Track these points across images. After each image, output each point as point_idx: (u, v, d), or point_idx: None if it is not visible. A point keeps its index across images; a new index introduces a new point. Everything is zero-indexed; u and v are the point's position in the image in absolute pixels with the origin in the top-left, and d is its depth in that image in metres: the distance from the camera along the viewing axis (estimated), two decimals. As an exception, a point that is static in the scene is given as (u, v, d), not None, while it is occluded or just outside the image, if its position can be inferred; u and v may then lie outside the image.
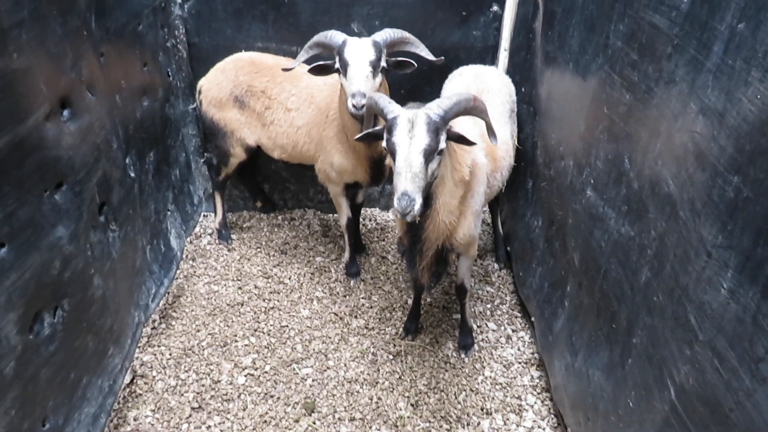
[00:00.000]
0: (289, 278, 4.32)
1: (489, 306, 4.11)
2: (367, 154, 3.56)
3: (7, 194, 2.12)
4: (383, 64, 3.14)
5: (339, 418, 3.32)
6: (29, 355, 2.31)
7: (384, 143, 2.62)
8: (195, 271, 4.35)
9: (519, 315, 4.02)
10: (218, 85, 3.92)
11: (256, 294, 4.16)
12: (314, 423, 3.28)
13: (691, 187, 1.75)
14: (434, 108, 2.55)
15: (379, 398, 3.43)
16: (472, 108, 2.67)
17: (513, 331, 3.90)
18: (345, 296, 4.19)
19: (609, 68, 2.41)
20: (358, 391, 3.47)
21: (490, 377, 3.58)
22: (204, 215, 4.89)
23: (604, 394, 2.39)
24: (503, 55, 4.25)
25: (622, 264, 2.32)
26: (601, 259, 2.51)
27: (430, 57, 3.25)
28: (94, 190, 2.79)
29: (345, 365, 3.64)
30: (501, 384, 3.53)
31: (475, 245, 3.30)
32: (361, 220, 4.87)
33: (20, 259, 2.21)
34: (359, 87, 3.04)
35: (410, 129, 2.50)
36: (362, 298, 4.18)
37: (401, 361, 3.68)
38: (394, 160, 2.54)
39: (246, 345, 3.76)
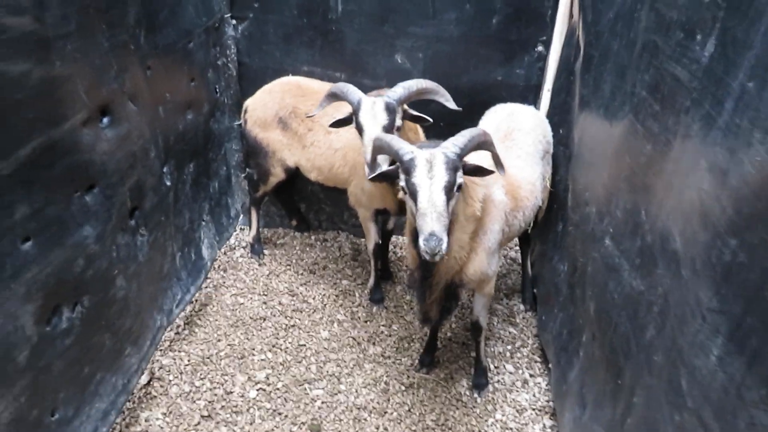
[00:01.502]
0: (314, 298, 4.37)
1: (509, 347, 4.03)
2: (393, 190, 3.61)
3: (36, 192, 2.26)
4: (398, 123, 3.17)
5: (342, 444, 3.31)
6: (44, 347, 2.43)
7: (402, 183, 2.64)
8: (224, 282, 4.47)
9: (539, 360, 3.92)
10: (264, 105, 4.07)
11: (279, 310, 4.23)
12: (317, 446, 3.29)
13: (694, 245, 1.69)
14: (449, 146, 2.57)
15: (386, 428, 3.40)
16: (484, 143, 2.69)
17: (531, 375, 3.80)
18: (366, 321, 4.19)
19: (633, 117, 2.36)
20: (365, 419, 3.46)
21: (501, 421, 3.49)
22: (241, 228, 5.02)
23: (602, 453, 2.29)
24: (546, 96, 4.22)
25: (630, 319, 2.24)
26: (613, 311, 2.43)
27: (452, 105, 3.27)
28: (126, 194, 2.93)
29: (356, 391, 3.64)
30: (511, 429, 3.44)
31: (489, 283, 3.26)
32: (392, 248, 4.90)
33: (43, 254, 2.34)
34: (371, 152, 3.07)
35: (429, 169, 2.52)
36: (382, 325, 4.17)
37: (413, 394, 3.64)
38: (415, 201, 2.56)
39: (262, 360, 3.82)
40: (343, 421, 3.44)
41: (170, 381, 3.62)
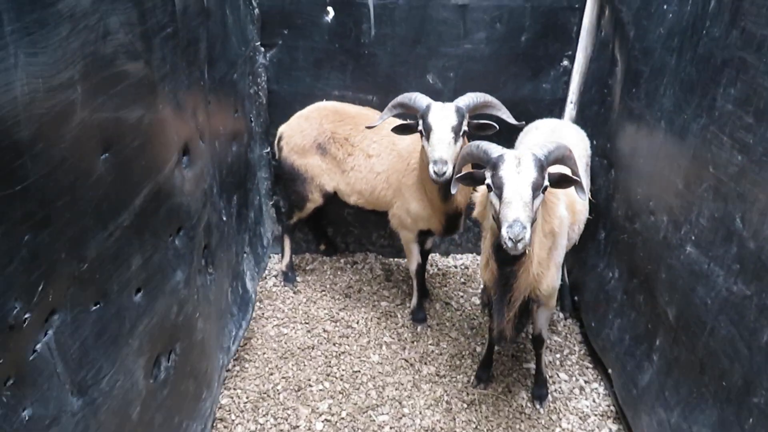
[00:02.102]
0: (357, 322, 4.35)
1: (558, 356, 4.11)
2: (443, 209, 3.66)
3: (146, 241, 2.21)
4: (464, 128, 3.25)
5: (420, 468, 3.31)
6: (149, 400, 2.36)
7: (488, 180, 2.67)
8: (263, 314, 4.40)
9: (590, 366, 4.01)
10: (302, 132, 4.04)
11: (325, 338, 4.19)
12: (396, 472, 3.27)
13: (834, 252, 1.79)
14: (538, 149, 2.66)
15: (458, 448, 3.42)
16: (568, 158, 2.76)
17: (585, 382, 3.89)
18: (413, 342, 4.20)
19: (717, 129, 2.48)
20: (436, 440, 3.47)
21: (568, 429, 3.55)
22: (269, 257, 4.96)
23: (717, 453, 2.38)
24: (569, 108, 4.35)
25: (734, 322, 2.34)
26: (706, 316, 2.53)
27: (512, 120, 3.37)
28: (201, 234, 2.88)
29: (420, 413, 3.64)
30: (579, 436, 3.51)
31: (555, 297, 3.33)
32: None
33: (151, 304, 2.29)
34: (441, 154, 3.16)
35: (517, 165, 2.59)
36: (430, 344, 4.19)
37: (476, 410, 3.67)
38: (500, 196, 2.58)
39: (320, 390, 3.77)
40: (414, 444, 3.44)
41: (233, 420, 3.54)
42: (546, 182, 2.64)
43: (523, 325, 3.27)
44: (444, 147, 3.17)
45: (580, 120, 4.18)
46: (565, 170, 2.82)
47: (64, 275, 1.69)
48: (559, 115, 4.36)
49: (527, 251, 2.75)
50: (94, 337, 1.90)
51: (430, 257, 5.02)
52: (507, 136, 3.76)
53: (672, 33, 2.94)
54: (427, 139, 3.23)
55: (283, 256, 4.67)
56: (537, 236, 2.85)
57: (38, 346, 1.62)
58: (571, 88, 4.29)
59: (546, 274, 3.06)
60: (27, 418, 1.60)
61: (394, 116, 3.51)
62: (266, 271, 4.83)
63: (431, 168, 3.18)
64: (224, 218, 3.37)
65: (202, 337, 2.94)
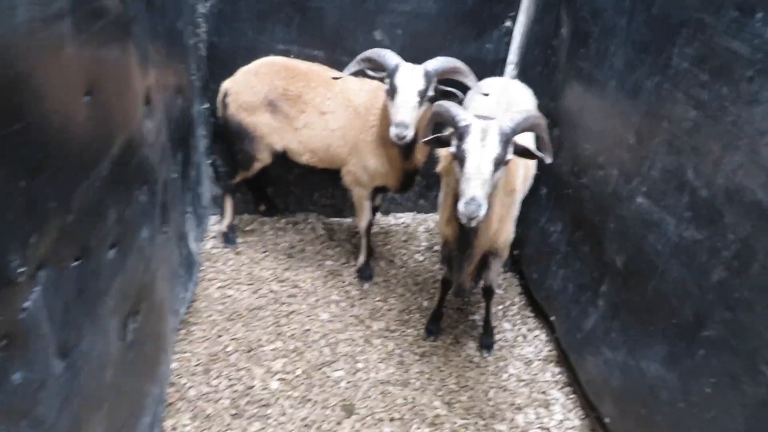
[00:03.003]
0: (303, 282, 4.30)
1: (500, 307, 4.30)
2: (402, 166, 3.67)
3: (120, 194, 2.06)
4: (431, 93, 3.24)
5: (379, 419, 3.37)
6: (119, 363, 2.23)
7: (452, 149, 2.72)
8: (205, 276, 4.23)
9: (531, 315, 4.23)
10: (252, 89, 3.85)
11: (273, 299, 4.12)
12: (356, 425, 3.31)
13: (791, 195, 1.99)
14: (506, 121, 2.66)
15: (414, 398, 3.51)
16: (537, 126, 2.80)
17: (528, 330, 4.11)
18: (361, 299, 4.23)
19: (671, 86, 2.64)
20: (391, 392, 3.54)
21: (515, 374, 3.75)
22: (208, 218, 4.76)
23: (668, 384, 2.61)
24: (509, 68, 4.47)
25: (685, 265, 2.55)
26: (657, 261, 2.74)
27: (477, 89, 3.43)
28: (160, 191, 2.71)
29: (375, 367, 3.69)
30: (525, 381, 3.72)
31: (508, 248, 3.47)
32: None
33: (123, 261, 2.15)
34: (403, 117, 3.14)
35: (483, 138, 2.62)
36: (378, 301, 4.24)
37: (428, 362, 3.78)
38: (462, 167, 2.64)
39: (273, 350, 3.72)
40: (371, 397, 3.49)
41: (184, 384, 3.41)
42: (509, 156, 2.67)
43: (480, 276, 3.39)
44: (408, 110, 3.15)
45: (523, 80, 4.29)
46: (528, 139, 2.90)
47: (54, 227, 1.55)
48: (500, 74, 4.46)
49: (488, 212, 2.85)
50: (75, 295, 1.77)
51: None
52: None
53: (623, -5, 3.08)
54: (392, 99, 3.19)
55: (224, 217, 4.49)
56: (498, 195, 2.94)
57: (27, 304, 1.48)
58: (512, 49, 4.39)
59: (504, 228, 3.17)
60: (17, 383, 1.46)
61: (356, 73, 3.44)
62: (205, 233, 4.64)
63: (393, 130, 3.15)
64: (175, 174, 3.19)
65: (161, 298, 2.81)
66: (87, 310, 1.85)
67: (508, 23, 4.29)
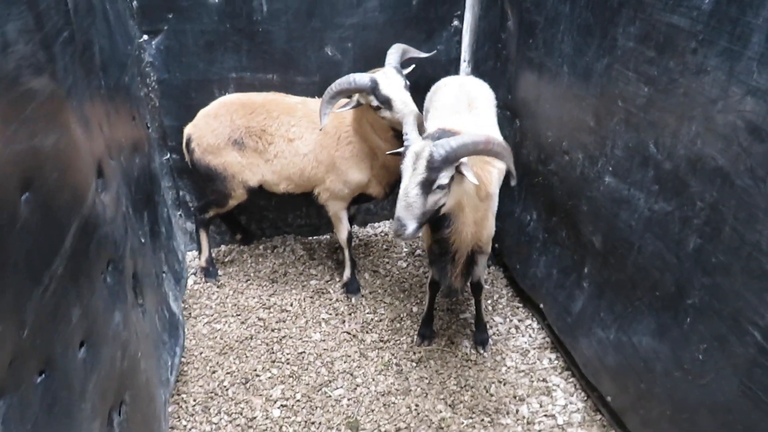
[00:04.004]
0: (291, 305, 4.28)
1: (489, 302, 4.33)
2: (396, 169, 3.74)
3: (82, 286, 1.95)
4: (407, 81, 3.44)
5: (385, 431, 3.37)
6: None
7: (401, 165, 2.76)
8: (191, 313, 4.19)
9: (520, 305, 4.27)
10: (213, 132, 3.85)
11: (261, 326, 4.10)
12: (363, 441, 3.31)
13: (748, 157, 2.05)
14: (439, 148, 2.58)
15: (417, 405, 3.51)
16: (483, 150, 2.68)
17: (519, 320, 4.14)
18: (351, 314, 4.23)
19: (621, 66, 2.70)
20: (394, 402, 3.54)
21: (513, 366, 3.78)
22: (187, 272, 4.70)
23: (660, 355, 2.65)
24: (464, 65, 4.52)
25: (660, 237, 2.60)
26: (632, 236, 2.79)
27: (424, 54, 3.81)
28: (129, 264, 2.63)
29: (373, 380, 3.69)
30: (524, 371, 3.75)
31: (491, 242, 3.49)
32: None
33: (96, 357, 2.03)
34: (415, 110, 3.28)
35: (414, 161, 2.65)
36: (368, 313, 4.24)
37: (425, 367, 3.78)
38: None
39: (269, 378, 3.70)
40: (375, 411, 3.49)
41: (185, 426, 3.38)
42: (444, 180, 2.64)
43: (470, 273, 3.42)
44: (411, 104, 3.31)
45: (477, 76, 4.34)
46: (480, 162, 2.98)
47: (6, 351, 1.42)
48: (456, 73, 4.51)
49: (454, 224, 2.97)
50: (45, 412, 1.61)
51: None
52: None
53: (563, -18, 3.14)
54: (390, 108, 3.30)
55: (201, 252, 4.45)
56: (470, 202, 2.97)
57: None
58: (463, 47, 4.45)
59: (485, 225, 3.20)
60: None
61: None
62: (185, 274, 4.59)
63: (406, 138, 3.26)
64: (143, 240, 3.11)
65: (146, 377, 2.68)
66: (62, 425, 1.68)
67: (455, 22, 4.33)
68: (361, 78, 3.31)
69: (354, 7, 4.02)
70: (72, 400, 1.78)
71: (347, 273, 4.35)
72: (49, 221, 1.73)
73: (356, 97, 3.46)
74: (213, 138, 3.86)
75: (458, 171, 2.70)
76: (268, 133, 3.85)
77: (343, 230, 4.17)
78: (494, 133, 3.54)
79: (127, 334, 2.43)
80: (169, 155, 4.26)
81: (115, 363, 2.23)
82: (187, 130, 3.96)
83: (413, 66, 3.74)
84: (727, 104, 2.14)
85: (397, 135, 3.46)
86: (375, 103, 3.33)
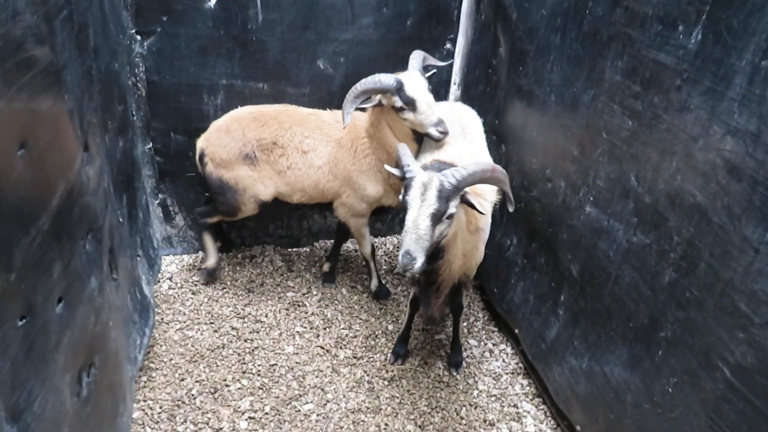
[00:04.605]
0: (265, 316, 4.24)
1: (465, 324, 4.32)
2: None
3: (64, 246, 2.00)
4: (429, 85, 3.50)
5: (353, 450, 3.33)
6: (75, 420, 2.14)
7: (400, 196, 2.75)
8: (163, 318, 4.13)
9: (495, 329, 4.28)
10: (225, 147, 3.85)
11: (234, 336, 4.04)
12: (330, 458, 3.26)
13: (726, 196, 2.09)
14: (449, 176, 2.62)
15: (386, 424, 3.48)
16: (489, 178, 2.75)
17: (494, 345, 4.14)
18: (325, 329, 4.19)
19: (607, 99, 2.75)
20: (363, 420, 3.50)
21: (485, 390, 3.77)
22: (161, 259, 4.65)
23: (631, 387, 2.67)
24: (453, 89, 4.56)
25: (637, 269, 2.63)
26: (610, 267, 2.81)
27: (441, 63, 3.95)
28: (107, 237, 2.64)
29: (344, 396, 3.65)
30: (495, 396, 3.74)
31: (476, 270, 3.48)
32: (324, 253, 4.92)
33: (72, 314, 2.09)
34: (439, 114, 3.34)
35: (423, 192, 2.64)
36: (343, 328, 4.21)
37: (397, 386, 3.76)
38: (404, 216, 2.69)
39: (239, 388, 3.64)
40: (344, 428, 3.45)
41: (149, 434, 3.30)
42: (452, 210, 2.65)
43: (453, 302, 3.42)
44: (435, 107, 3.35)
45: (466, 100, 4.40)
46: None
47: None
48: (445, 96, 4.56)
49: (446, 255, 2.92)
50: (23, 355, 1.70)
51: (324, 246, 5.04)
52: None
53: (555, 13, 3.19)
54: (414, 109, 3.31)
55: (208, 255, 4.41)
56: (460, 236, 2.98)
57: (-29, 373, 1.41)
58: (455, 70, 4.50)
59: (474, 254, 3.22)
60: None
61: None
62: (159, 275, 4.53)
63: (434, 131, 3.32)
64: (121, 219, 3.11)
65: (116, 347, 2.71)
66: (37, 370, 1.77)
67: (448, 45, 4.39)
68: (387, 78, 3.32)
69: (349, 23, 4.05)
70: (47, 348, 1.88)
71: (374, 282, 4.41)
72: (40, 179, 1.84)
73: (378, 97, 3.43)
74: (225, 153, 3.86)
75: (462, 201, 2.71)
76: (279, 145, 3.84)
77: (366, 245, 4.20)
78: (488, 160, 3.57)
79: (101, 301, 2.47)
80: (151, 145, 4.22)
81: (88, 325, 2.28)
82: (200, 143, 3.96)
83: (434, 71, 3.79)
84: (707, 142, 2.18)
85: (417, 138, 3.50)
86: (399, 104, 3.32)
